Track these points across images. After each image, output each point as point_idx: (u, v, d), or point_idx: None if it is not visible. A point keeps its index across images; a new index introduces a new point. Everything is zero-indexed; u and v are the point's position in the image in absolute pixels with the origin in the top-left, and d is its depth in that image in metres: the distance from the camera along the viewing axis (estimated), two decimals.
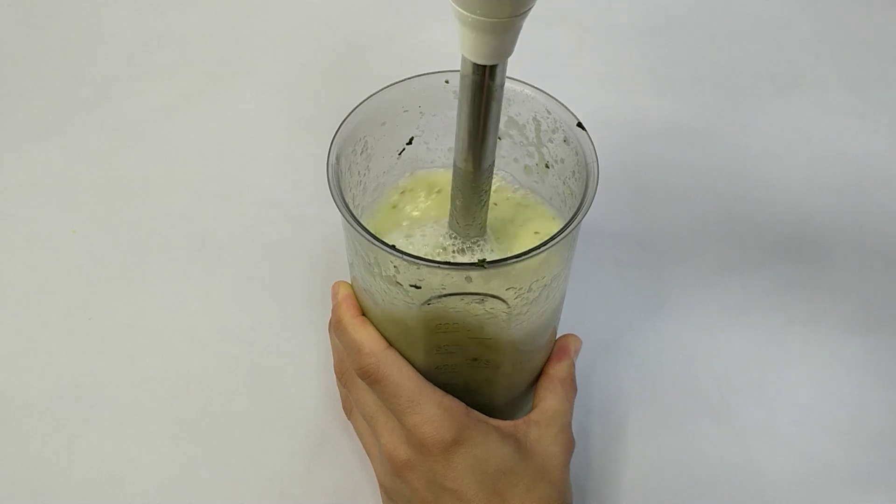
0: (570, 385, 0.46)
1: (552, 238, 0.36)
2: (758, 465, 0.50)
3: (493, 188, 0.40)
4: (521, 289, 0.38)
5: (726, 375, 0.54)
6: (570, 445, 0.44)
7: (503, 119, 0.43)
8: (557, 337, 0.48)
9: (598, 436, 0.51)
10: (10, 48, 0.72)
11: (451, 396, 0.42)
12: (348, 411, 0.48)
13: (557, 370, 0.46)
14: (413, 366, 0.42)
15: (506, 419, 0.49)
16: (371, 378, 0.42)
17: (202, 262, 0.59)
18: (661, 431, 0.51)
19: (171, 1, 0.76)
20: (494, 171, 0.45)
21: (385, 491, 0.44)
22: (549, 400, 0.45)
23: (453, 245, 0.41)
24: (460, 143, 0.38)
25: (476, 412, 0.42)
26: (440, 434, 0.40)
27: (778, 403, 0.53)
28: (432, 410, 0.41)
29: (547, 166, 0.43)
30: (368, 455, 0.46)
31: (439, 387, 0.42)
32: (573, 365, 0.47)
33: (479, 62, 0.34)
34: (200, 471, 0.50)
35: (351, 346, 0.43)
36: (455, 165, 0.39)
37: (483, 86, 0.35)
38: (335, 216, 0.40)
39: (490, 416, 0.48)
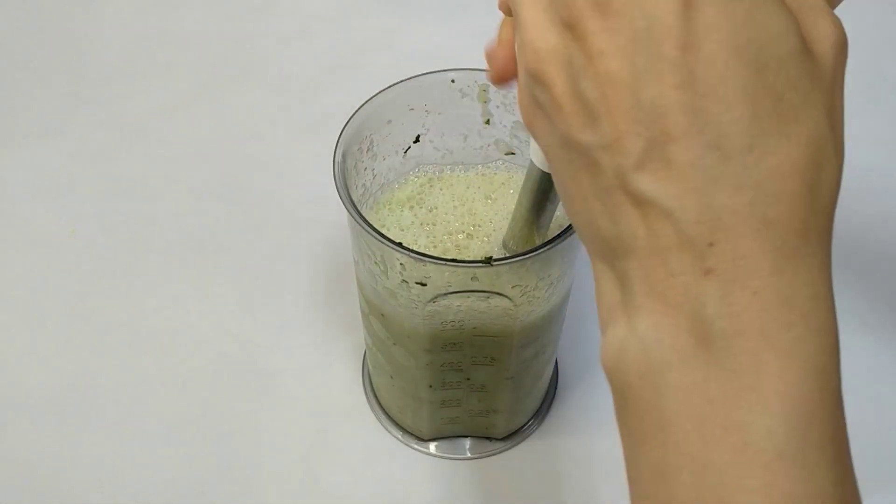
0: None
1: (558, 236, 0.36)
2: None
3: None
4: (526, 286, 0.38)
5: None
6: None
7: (511, 121, 0.43)
8: None
9: (598, 436, 0.51)
10: (10, 48, 0.72)
11: None
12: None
13: None
14: (417, 363, 0.42)
15: (510, 420, 0.49)
16: None
17: (202, 262, 0.58)
18: None
19: (172, 1, 0.76)
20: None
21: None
22: None
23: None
24: (513, 230, 0.39)
25: None
26: None
27: None
28: None
29: None
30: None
31: (443, 385, 0.42)
32: None
33: (545, 169, 0.35)
34: (200, 471, 0.50)
35: None
36: (504, 244, 0.40)
37: (544, 188, 0.36)
38: (336, 216, 0.40)
39: (493, 417, 0.48)
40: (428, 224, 0.43)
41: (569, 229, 0.36)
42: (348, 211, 0.37)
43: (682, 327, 0.25)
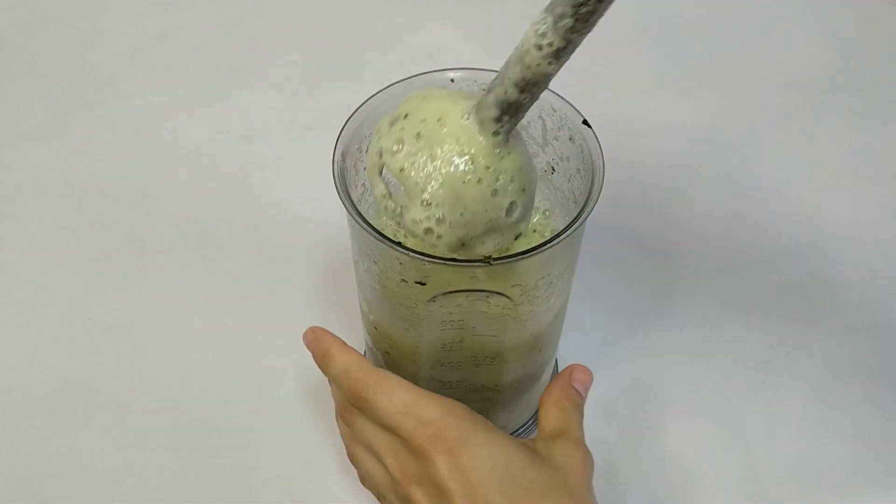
0: (574, 405, 0.43)
1: (558, 235, 0.36)
2: (758, 465, 0.50)
3: None
4: (526, 286, 0.38)
5: (726, 375, 0.54)
6: (587, 460, 0.40)
7: None
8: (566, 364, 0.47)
9: (598, 436, 0.51)
10: (10, 48, 0.72)
11: (449, 398, 0.39)
12: (352, 457, 0.44)
13: (561, 393, 0.43)
14: (416, 363, 0.42)
15: (509, 420, 0.49)
16: (362, 397, 0.39)
17: (202, 262, 0.59)
18: (661, 431, 0.51)
19: (171, 1, 0.76)
20: None
21: None
22: (553, 420, 0.42)
23: None
24: None
25: (479, 415, 0.40)
26: (443, 432, 0.37)
27: (778, 403, 0.53)
28: (432, 411, 0.38)
29: (553, 170, 0.43)
30: (379, 497, 0.42)
31: (443, 384, 0.42)
32: (578, 393, 0.44)
33: None
34: (200, 471, 0.50)
35: (339, 375, 0.41)
36: None
37: None
38: (335, 216, 0.40)
39: (492, 416, 0.48)
40: None
41: (567, 229, 0.37)
42: (348, 211, 0.37)
43: None
